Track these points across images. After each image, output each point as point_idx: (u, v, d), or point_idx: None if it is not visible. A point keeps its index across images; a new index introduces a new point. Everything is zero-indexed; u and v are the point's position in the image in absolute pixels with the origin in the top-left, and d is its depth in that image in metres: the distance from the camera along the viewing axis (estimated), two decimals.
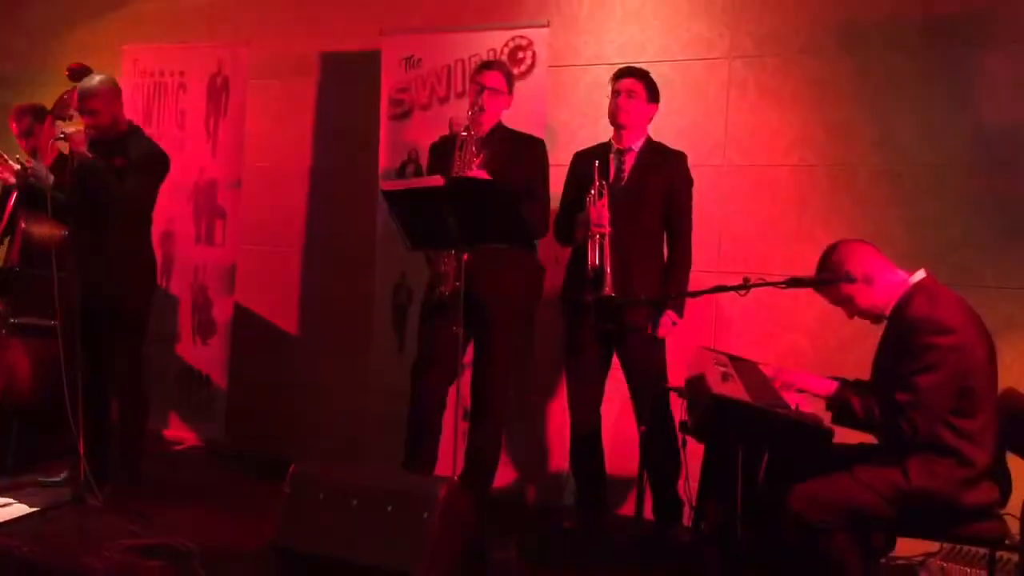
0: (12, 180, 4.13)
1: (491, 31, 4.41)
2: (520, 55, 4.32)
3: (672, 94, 4.21)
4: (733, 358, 3.34)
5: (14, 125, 4.67)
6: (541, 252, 3.98)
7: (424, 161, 4.25)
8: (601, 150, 3.86)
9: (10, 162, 4.11)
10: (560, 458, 4.38)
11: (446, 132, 4.11)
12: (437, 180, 3.42)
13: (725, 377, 2.94)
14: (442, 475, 3.71)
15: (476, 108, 3.80)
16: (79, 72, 3.77)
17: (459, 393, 3.67)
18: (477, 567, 3.09)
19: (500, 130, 3.91)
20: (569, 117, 4.51)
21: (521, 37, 4.33)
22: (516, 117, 4.03)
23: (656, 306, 3.66)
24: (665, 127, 4.00)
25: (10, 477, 4.09)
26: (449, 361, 3.67)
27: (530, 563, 3.34)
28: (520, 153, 3.87)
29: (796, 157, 4.13)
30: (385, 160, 4.61)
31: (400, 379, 4.13)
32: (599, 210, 3.64)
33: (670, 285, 3.71)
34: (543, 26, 4.32)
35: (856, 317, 2.99)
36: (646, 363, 3.74)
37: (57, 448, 4.13)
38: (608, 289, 3.55)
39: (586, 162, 3.80)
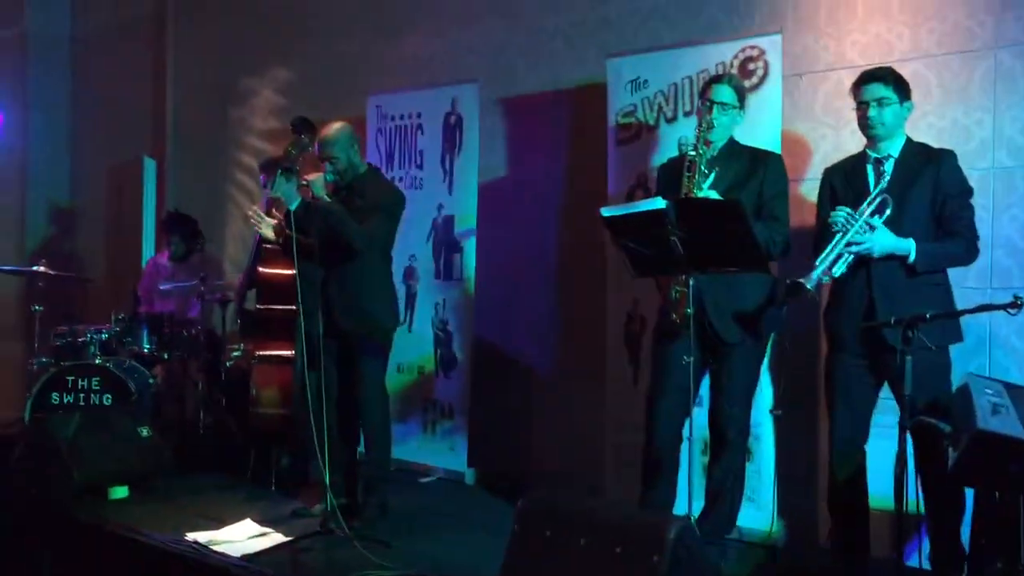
0: (272, 235, 4.29)
1: (719, 43, 4.21)
2: (751, 66, 4.09)
3: (927, 94, 3.84)
4: (1009, 386, 2.93)
5: (263, 178, 5.04)
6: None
7: (653, 184, 4.12)
8: (854, 163, 3.51)
9: (266, 219, 4.32)
10: (812, 493, 4.04)
11: (675, 153, 3.95)
12: (657, 202, 3.28)
13: (996, 409, 2.56)
14: (678, 514, 3.51)
15: (705, 125, 3.62)
16: (301, 125, 3.97)
17: (691, 425, 3.48)
18: None
19: (732, 146, 3.70)
20: (809, 128, 4.21)
21: (751, 47, 4.09)
22: (750, 132, 3.82)
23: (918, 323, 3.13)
24: (921, 131, 3.63)
25: (271, 506, 4.35)
26: (684, 391, 3.49)
27: None
28: (755, 170, 3.65)
29: None
30: (614, 186, 4.52)
31: (635, 409, 3.99)
32: None
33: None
34: (775, 33, 4.07)
35: None
36: (923, 386, 3.15)
37: (312, 478, 4.36)
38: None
39: (839, 178, 3.50)
